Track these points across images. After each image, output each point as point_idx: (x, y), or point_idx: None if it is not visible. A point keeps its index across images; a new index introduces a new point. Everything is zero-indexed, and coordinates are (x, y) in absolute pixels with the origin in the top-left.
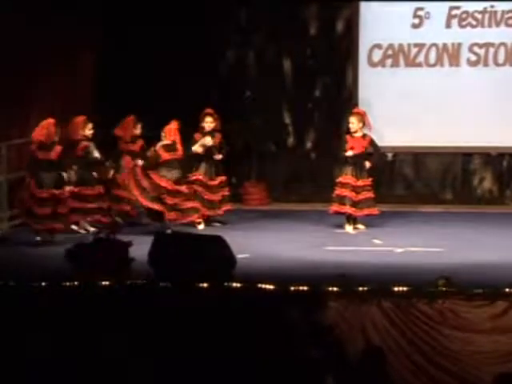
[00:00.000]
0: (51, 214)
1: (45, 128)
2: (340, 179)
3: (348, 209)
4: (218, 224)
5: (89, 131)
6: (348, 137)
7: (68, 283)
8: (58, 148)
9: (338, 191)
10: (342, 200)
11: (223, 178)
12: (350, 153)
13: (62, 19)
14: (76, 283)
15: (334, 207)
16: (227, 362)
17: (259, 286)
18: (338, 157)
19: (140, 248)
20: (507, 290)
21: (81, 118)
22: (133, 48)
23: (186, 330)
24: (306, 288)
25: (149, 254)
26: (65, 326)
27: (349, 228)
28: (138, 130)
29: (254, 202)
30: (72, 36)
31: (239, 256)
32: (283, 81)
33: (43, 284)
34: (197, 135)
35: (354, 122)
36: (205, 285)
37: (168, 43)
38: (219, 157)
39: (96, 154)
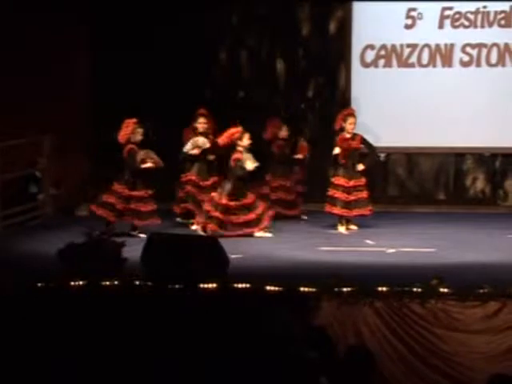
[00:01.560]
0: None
1: (124, 127)
2: (333, 180)
3: (339, 210)
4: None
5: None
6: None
7: (60, 284)
8: (127, 147)
9: (331, 192)
10: (333, 201)
11: (216, 178)
12: (336, 150)
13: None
14: (69, 283)
15: (327, 207)
16: (220, 362)
17: (252, 286)
18: (331, 157)
19: (134, 249)
20: (500, 290)
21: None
22: (125, 48)
23: (178, 330)
24: (299, 288)
25: (142, 254)
26: (56, 326)
27: (341, 228)
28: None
29: None
30: (65, 36)
31: (232, 256)
32: (276, 81)
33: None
34: (188, 136)
35: (353, 123)
36: (198, 285)
37: (161, 44)
38: (212, 157)
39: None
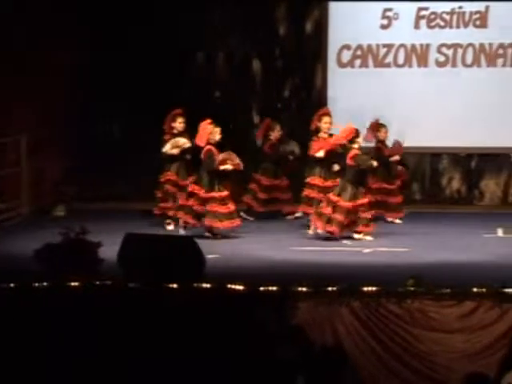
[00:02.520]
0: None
1: (202, 129)
2: (308, 180)
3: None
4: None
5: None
6: (315, 137)
7: (37, 284)
8: (205, 148)
9: (307, 192)
10: (309, 201)
11: (194, 177)
12: (320, 153)
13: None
14: (45, 284)
15: (303, 208)
16: (197, 362)
17: (229, 286)
18: (307, 157)
19: (112, 249)
20: (475, 289)
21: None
22: (101, 48)
23: (155, 331)
24: (275, 288)
25: (118, 254)
26: (35, 326)
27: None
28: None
29: None
30: (41, 36)
31: (209, 256)
32: (252, 81)
33: (11, 285)
34: (166, 136)
35: (328, 122)
36: (175, 285)
37: (137, 44)
38: (189, 157)
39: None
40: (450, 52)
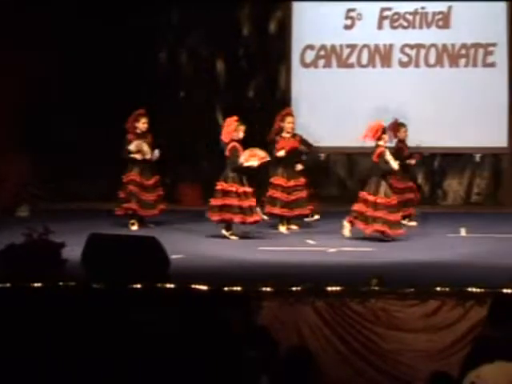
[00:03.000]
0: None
1: (226, 126)
2: (272, 180)
3: (279, 210)
4: (152, 225)
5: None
6: (279, 137)
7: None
8: (230, 145)
9: (270, 192)
10: (273, 201)
11: (158, 177)
12: (281, 153)
13: None
14: (7, 285)
15: (267, 208)
16: (163, 362)
17: (193, 286)
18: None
19: (75, 249)
20: (438, 289)
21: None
22: (64, 48)
23: (119, 331)
24: (240, 288)
25: (82, 255)
26: None
27: (282, 228)
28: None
29: (188, 202)
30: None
31: (173, 256)
32: (217, 81)
33: None
34: (130, 136)
35: (291, 122)
36: (139, 286)
37: (100, 43)
38: (152, 157)
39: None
40: (413, 52)
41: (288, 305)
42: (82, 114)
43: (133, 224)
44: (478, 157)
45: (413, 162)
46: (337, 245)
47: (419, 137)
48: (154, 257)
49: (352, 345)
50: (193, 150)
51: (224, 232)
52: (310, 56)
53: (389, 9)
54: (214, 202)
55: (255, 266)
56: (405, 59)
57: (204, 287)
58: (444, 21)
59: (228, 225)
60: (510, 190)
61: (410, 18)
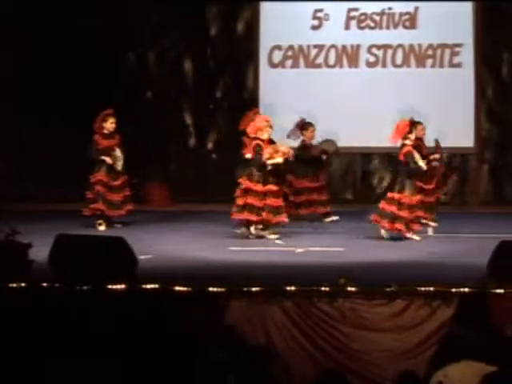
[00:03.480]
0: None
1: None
2: (240, 180)
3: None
4: (119, 225)
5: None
6: (246, 138)
7: None
8: (253, 143)
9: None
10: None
11: (125, 178)
12: (249, 154)
13: None
14: None
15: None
16: (130, 363)
17: (161, 286)
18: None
19: (43, 250)
20: (406, 288)
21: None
22: (32, 46)
23: (85, 332)
24: (208, 288)
25: (49, 255)
26: None
27: (251, 228)
28: None
29: (156, 203)
30: None
31: (141, 257)
32: (184, 81)
33: None
34: (97, 137)
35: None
36: (107, 286)
37: (67, 43)
38: (109, 159)
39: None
40: (380, 53)
41: (256, 305)
42: (47, 113)
43: (100, 224)
44: (445, 157)
45: (436, 156)
46: (305, 245)
47: (386, 136)
48: (122, 257)
49: (320, 345)
50: (160, 150)
51: (243, 231)
52: (277, 56)
53: (356, 9)
54: (238, 201)
55: (223, 266)
56: (372, 59)
57: (172, 287)
58: (411, 21)
59: (249, 225)
60: (477, 189)
61: (377, 18)
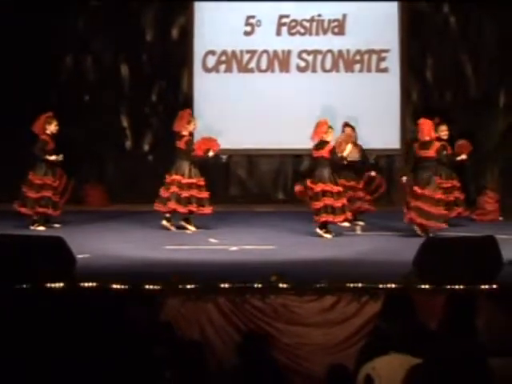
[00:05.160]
0: None
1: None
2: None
3: (182, 209)
4: (57, 225)
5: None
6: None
7: None
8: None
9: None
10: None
11: (63, 178)
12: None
13: None
14: None
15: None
16: (68, 361)
17: (99, 285)
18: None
19: None
20: (335, 285)
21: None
22: None
23: (26, 331)
24: (145, 286)
25: None
26: None
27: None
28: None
29: (93, 203)
30: None
31: (79, 256)
32: (121, 85)
33: None
34: (46, 137)
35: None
36: (45, 285)
37: (5, 46)
38: (57, 158)
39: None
40: (310, 58)
41: (191, 302)
42: None
43: (38, 225)
44: (372, 158)
45: (464, 156)
46: (238, 243)
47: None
48: (60, 256)
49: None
50: (97, 152)
51: (319, 231)
52: (211, 61)
53: (287, 16)
54: (315, 205)
55: (160, 265)
56: (302, 64)
57: (110, 285)
58: (339, 28)
59: (325, 225)
60: (402, 189)
61: (307, 25)
